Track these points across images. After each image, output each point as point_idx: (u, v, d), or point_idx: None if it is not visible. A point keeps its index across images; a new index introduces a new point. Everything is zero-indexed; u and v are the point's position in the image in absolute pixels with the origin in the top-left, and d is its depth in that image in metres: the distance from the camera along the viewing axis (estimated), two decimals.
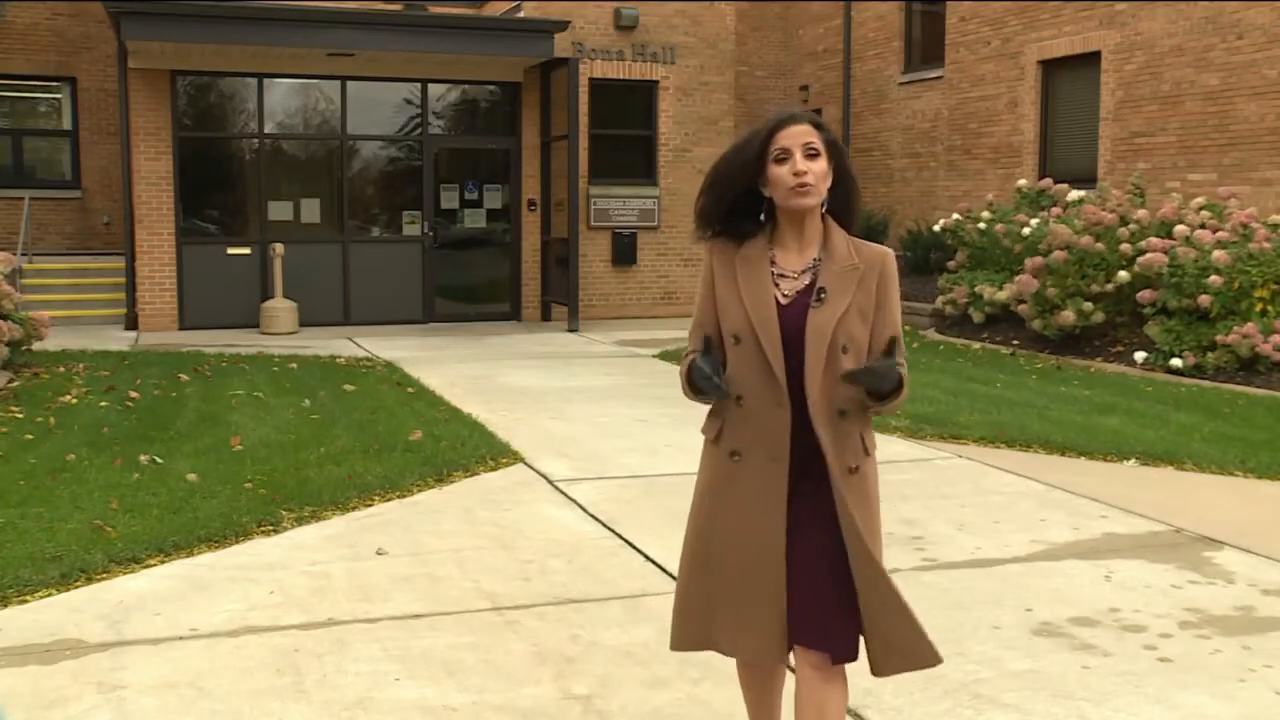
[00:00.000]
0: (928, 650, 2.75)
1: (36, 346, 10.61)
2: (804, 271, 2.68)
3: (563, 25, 14.81)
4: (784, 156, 2.64)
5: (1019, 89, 15.68)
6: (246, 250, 14.79)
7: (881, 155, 19.49)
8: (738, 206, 2.73)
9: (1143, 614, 4.53)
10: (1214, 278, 10.54)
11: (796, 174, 2.61)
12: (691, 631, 2.83)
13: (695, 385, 2.68)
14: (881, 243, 2.96)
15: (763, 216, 2.73)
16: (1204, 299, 10.63)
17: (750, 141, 2.69)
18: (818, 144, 2.65)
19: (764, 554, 2.69)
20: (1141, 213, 12.11)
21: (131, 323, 14.39)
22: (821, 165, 2.65)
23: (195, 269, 14.57)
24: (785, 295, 2.67)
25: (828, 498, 2.68)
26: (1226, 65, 12.83)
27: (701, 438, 2.83)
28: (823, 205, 2.70)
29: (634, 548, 5.37)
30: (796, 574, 2.70)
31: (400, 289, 15.37)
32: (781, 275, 2.69)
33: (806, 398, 2.62)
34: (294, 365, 10.92)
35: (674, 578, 4.90)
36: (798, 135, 2.65)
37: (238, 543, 5.34)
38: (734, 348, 2.68)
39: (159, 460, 6.76)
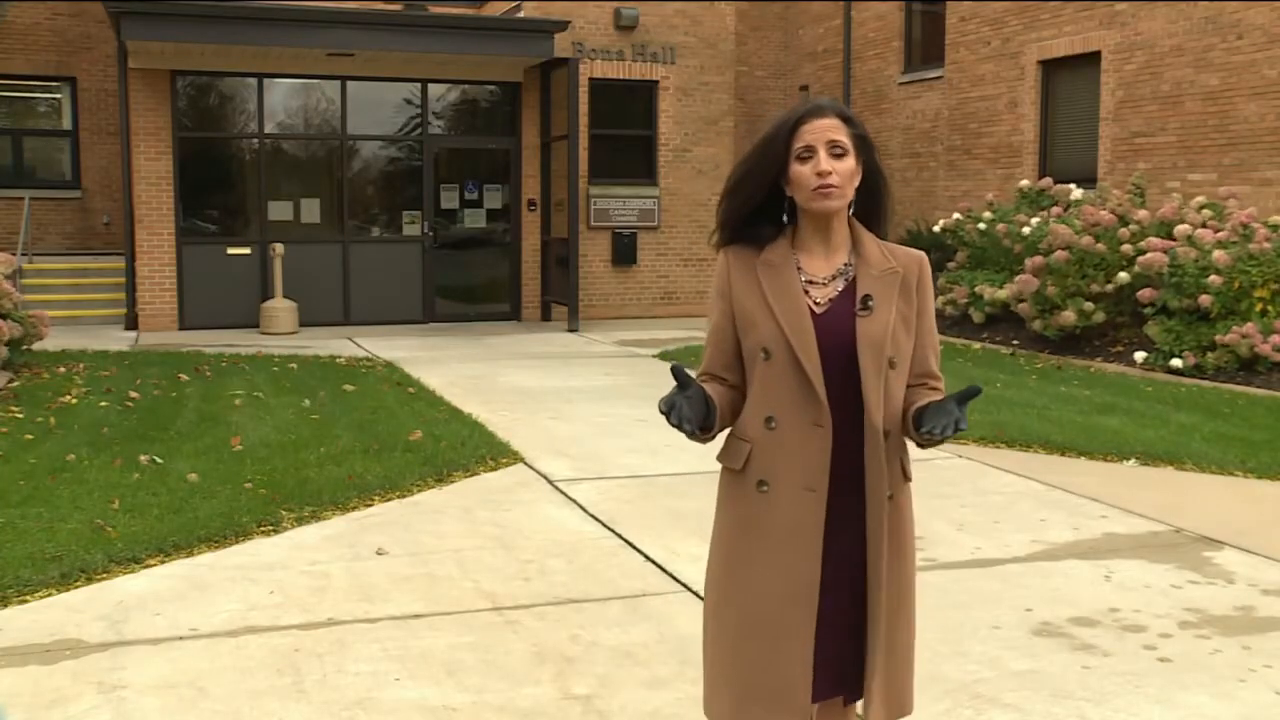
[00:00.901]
0: (909, 700, 2.53)
1: (36, 346, 10.61)
2: (834, 277, 2.42)
3: (563, 25, 14.81)
4: (807, 155, 2.38)
5: (1019, 89, 15.68)
6: (246, 250, 14.79)
7: (881, 155, 19.41)
8: (758, 209, 2.49)
9: (1143, 614, 4.54)
10: (1213, 278, 10.54)
11: (820, 174, 2.35)
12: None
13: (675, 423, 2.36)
14: None
15: (785, 218, 2.48)
16: (1204, 299, 10.63)
17: (774, 138, 2.42)
18: (844, 141, 2.39)
19: (793, 604, 2.38)
20: (1142, 213, 12.12)
21: (131, 323, 14.39)
22: (848, 164, 2.39)
23: (195, 269, 14.57)
24: (818, 304, 2.40)
25: (861, 531, 2.42)
26: (1226, 65, 12.83)
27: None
28: (850, 206, 2.45)
29: (634, 548, 5.37)
30: (823, 624, 2.41)
31: (400, 289, 15.37)
32: (810, 282, 2.42)
33: (865, 418, 2.35)
34: (294, 365, 10.92)
35: (674, 578, 4.92)
36: (822, 130, 2.38)
37: (238, 543, 5.34)
38: (763, 363, 2.39)
39: (159, 460, 6.76)
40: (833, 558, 2.39)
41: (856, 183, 2.43)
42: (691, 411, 2.32)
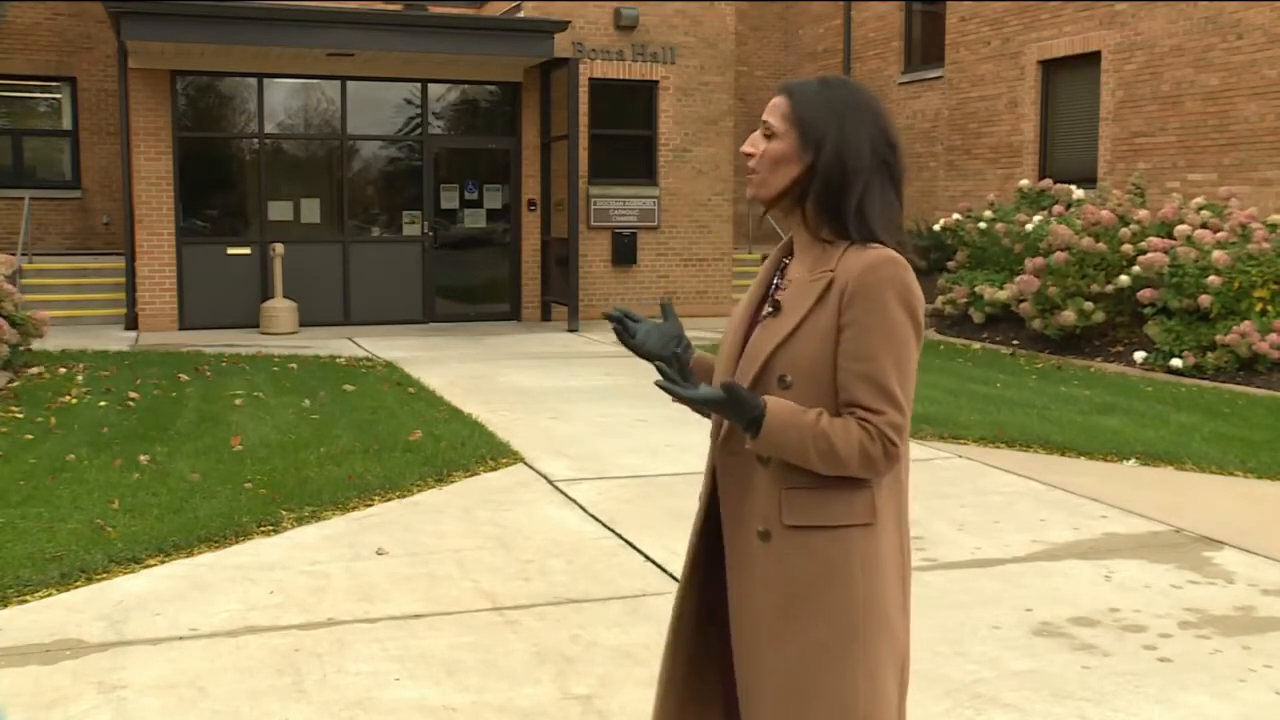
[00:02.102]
0: None
1: (36, 346, 10.61)
2: (793, 282, 2.15)
3: (563, 25, 14.81)
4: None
5: (1019, 89, 15.68)
6: (246, 250, 14.79)
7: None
8: None
9: (1143, 614, 4.54)
10: (1212, 278, 10.55)
11: (743, 153, 2.13)
12: None
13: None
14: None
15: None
16: (1204, 299, 10.63)
17: None
18: (773, 121, 2.08)
19: (674, 626, 2.22)
20: (1142, 213, 12.12)
21: (131, 323, 14.39)
22: (774, 148, 2.07)
23: (195, 269, 14.57)
24: (768, 309, 2.14)
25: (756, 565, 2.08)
26: (1226, 65, 12.83)
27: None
28: (782, 200, 2.11)
29: (634, 548, 5.37)
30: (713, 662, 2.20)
31: (400, 289, 15.37)
32: (779, 286, 2.15)
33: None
34: (294, 365, 10.92)
35: (674, 578, 4.91)
36: (768, 107, 2.12)
37: (238, 543, 5.34)
38: None
39: (159, 460, 6.76)
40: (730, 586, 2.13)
41: (792, 172, 2.06)
42: (659, 337, 2.10)
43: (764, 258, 2.26)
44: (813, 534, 2.02)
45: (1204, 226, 11.35)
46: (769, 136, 2.08)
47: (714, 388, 1.97)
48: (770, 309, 2.08)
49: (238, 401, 8.77)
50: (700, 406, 1.99)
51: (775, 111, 2.07)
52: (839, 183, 2.03)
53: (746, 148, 2.09)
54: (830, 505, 2.03)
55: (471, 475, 6.72)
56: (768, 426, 1.95)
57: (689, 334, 2.17)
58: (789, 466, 2.01)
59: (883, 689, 2.03)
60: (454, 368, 11.11)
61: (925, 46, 18.79)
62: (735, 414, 1.96)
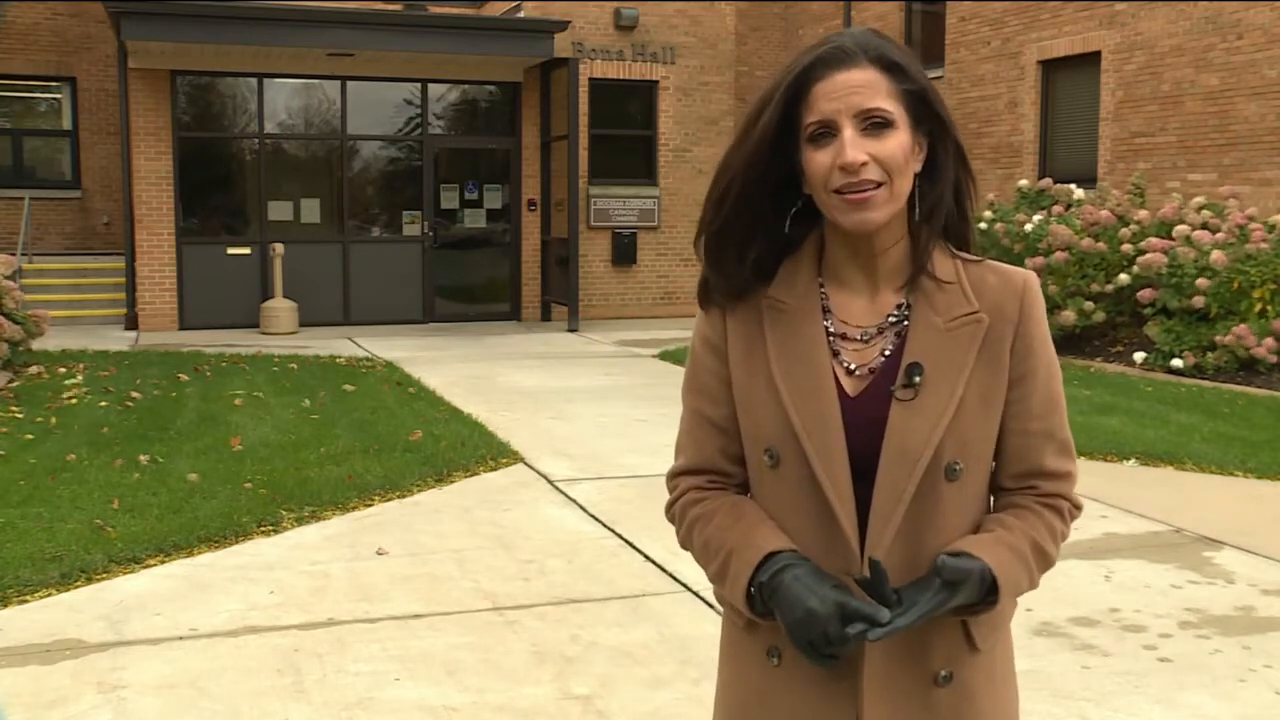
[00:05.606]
0: None
1: (37, 346, 10.61)
2: (880, 331, 1.52)
3: (563, 25, 14.82)
4: (823, 134, 1.44)
5: (1019, 89, 15.68)
6: (246, 250, 14.79)
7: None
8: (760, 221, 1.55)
9: (1143, 614, 4.53)
10: (1200, 280, 10.57)
11: (844, 167, 1.42)
12: None
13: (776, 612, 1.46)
14: None
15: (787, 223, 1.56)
16: (1197, 300, 10.65)
17: (765, 112, 1.48)
18: (886, 107, 1.44)
19: None
20: (1142, 213, 12.13)
21: (131, 323, 14.39)
22: (896, 143, 1.44)
23: (195, 269, 14.57)
24: (854, 374, 1.52)
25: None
26: (1226, 65, 12.83)
27: None
28: (914, 211, 1.50)
29: (634, 548, 5.37)
30: None
31: (400, 289, 15.37)
32: (843, 336, 1.53)
33: (864, 564, 1.47)
34: (294, 365, 10.92)
35: (674, 578, 4.91)
36: (847, 90, 1.43)
37: (238, 543, 5.34)
38: (767, 472, 1.55)
39: (159, 460, 6.76)
40: None
41: (917, 167, 1.49)
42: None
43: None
44: (995, 651, 1.59)
45: (1204, 227, 11.35)
46: (882, 128, 1.44)
47: (934, 588, 1.41)
48: (906, 382, 1.48)
49: (237, 401, 8.77)
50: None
51: (879, 92, 1.44)
52: (968, 177, 1.54)
53: (852, 155, 1.42)
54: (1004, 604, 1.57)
55: (471, 475, 6.72)
56: (1003, 586, 1.46)
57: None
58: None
59: None
60: (454, 368, 11.11)
61: (925, 46, 18.77)
62: (965, 598, 1.44)
